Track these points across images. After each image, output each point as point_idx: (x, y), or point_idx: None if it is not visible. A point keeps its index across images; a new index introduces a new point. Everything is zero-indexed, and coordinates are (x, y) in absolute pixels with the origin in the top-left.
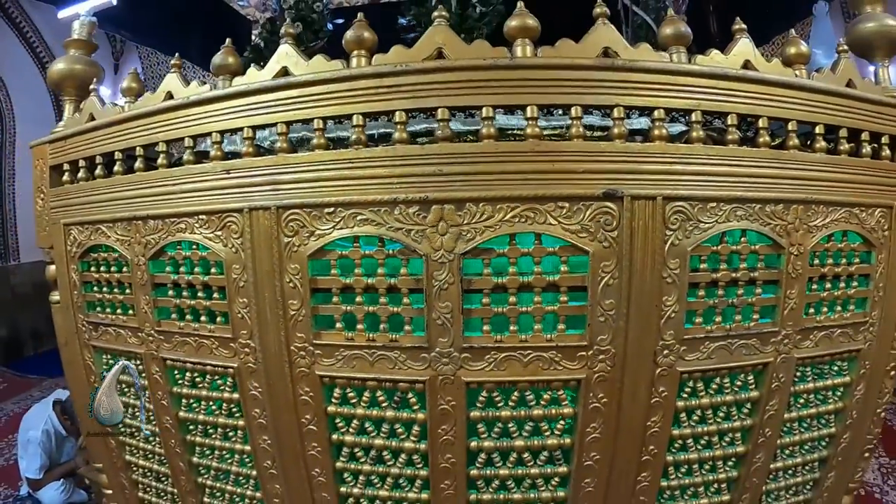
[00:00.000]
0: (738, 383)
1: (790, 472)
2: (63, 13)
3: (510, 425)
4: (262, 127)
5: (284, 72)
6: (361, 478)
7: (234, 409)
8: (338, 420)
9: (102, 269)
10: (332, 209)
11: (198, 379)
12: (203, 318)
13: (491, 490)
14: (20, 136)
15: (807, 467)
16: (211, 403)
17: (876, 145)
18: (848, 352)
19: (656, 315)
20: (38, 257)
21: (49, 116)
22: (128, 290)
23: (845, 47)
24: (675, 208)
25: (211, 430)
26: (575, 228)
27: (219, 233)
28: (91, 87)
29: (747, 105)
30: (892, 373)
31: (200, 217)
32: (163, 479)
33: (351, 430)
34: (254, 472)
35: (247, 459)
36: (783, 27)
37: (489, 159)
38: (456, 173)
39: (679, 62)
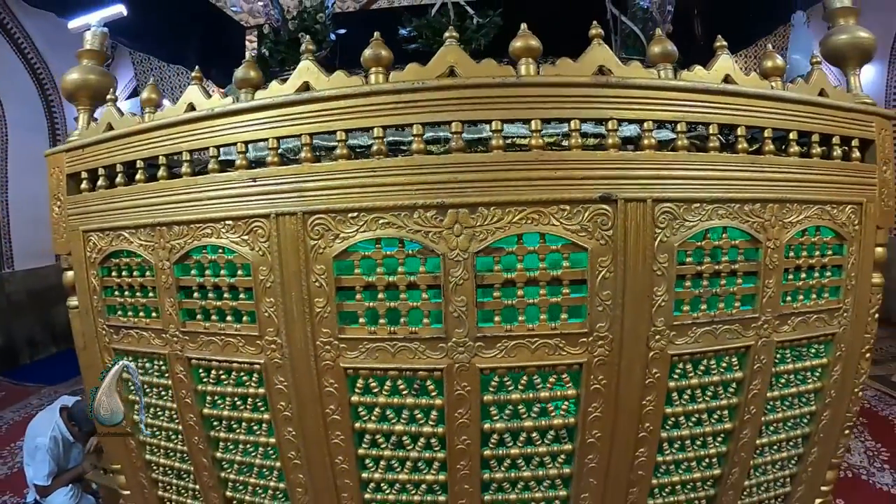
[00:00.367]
0: (724, 365)
1: (776, 447)
2: (73, 24)
3: (520, 407)
4: (287, 138)
5: (306, 86)
6: (382, 463)
7: (260, 404)
8: (360, 409)
9: (124, 273)
10: (355, 214)
11: (223, 376)
12: (229, 318)
13: (503, 469)
14: (12, 143)
15: (791, 443)
16: (236, 399)
17: (847, 148)
18: (824, 335)
19: (648, 304)
20: (32, 265)
21: (41, 123)
22: (151, 294)
23: (819, 59)
24: (664, 209)
25: (235, 425)
26: (575, 228)
27: (245, 237)
28: (108, 96)
29: (727, 115)
30: (868, 355)
31: (227, 222)
32: (184, 476)
33: (373, 417)
34: (278, 464)
35: (271, 452)
36: (768, 28)
37: (498, 168)
38: (469, 181)
39: (666, 78)
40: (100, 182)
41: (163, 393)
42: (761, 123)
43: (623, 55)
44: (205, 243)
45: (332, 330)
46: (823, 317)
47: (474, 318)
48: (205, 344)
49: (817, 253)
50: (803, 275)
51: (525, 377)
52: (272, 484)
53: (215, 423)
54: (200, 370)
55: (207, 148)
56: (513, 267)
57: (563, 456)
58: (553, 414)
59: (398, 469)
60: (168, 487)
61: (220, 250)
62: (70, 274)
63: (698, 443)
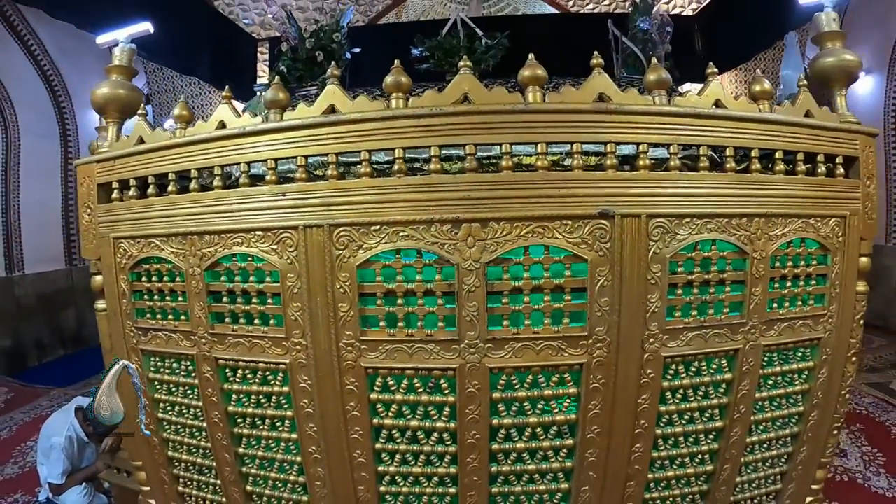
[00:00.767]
0: (714, 366)
1: (765, 445)
2: (101, 39)
3: (525, 404)
4: (315, 156)
5: (332, 109)
6: (398, 457)
7: (283, 401)
8: (379, 406)
9: (154, 279)
10: (377, 227)
11: (249, 375)
12: (256, 321)
13: (509, 462)
14: (24, 149)
15: (780, 442)
16: (260, 397)
17: (831, 164)
18: (810, 340)
19: (643, 310)
20: (42, 269)
21: (54, 130)
22: (180, 298)
23: (805, 82)
24: (657, 224)
25: (259, 422)
26: (576, 241)
27: (275, 246)
28: (139, 111)
29: (716, 137)
30: (853, 359)
31: (257, 233)
32: (205, 471)
33: (390, 413)
34: (298, 458)
35: (292, 447)
36: (767, 42)
37: (508, 186)
38: (481, 198)
39: (661, 104)
40: (130, 192)
41: (188, 392)
42: (749, 144)
43: (624, 74)
44: (235, 252)
45: (355, 332)
46: (809, 322)
47: (485, 322)
48: (232, 345)
49: (802, 263)
50: (789, 283)
51: (530, 376)
52: (292, 478)
53: (239, 420)
54: (227, 370)
55: (238, 163)
56: (520, 276)
57: (564, 451)
58: (556, 411)
59: (412, 462)
60: (189, 483)
61: (250, 258)
62: (99, 278)
63: (691, 440)
